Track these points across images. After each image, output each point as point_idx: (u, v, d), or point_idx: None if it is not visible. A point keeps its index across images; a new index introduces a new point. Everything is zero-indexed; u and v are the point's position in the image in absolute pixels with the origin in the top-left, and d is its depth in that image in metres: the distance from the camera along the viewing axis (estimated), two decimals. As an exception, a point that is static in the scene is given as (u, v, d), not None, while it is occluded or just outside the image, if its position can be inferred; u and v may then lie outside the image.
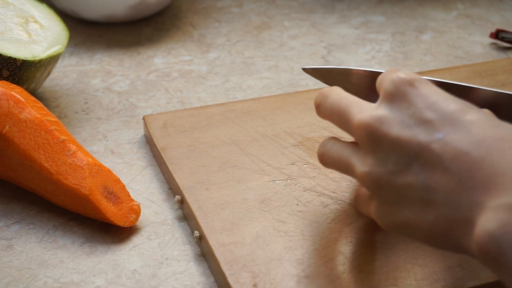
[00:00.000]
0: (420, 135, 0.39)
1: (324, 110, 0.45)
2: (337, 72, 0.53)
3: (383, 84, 0.42)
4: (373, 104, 0.43)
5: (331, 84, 0.54)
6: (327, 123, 0.60)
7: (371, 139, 0.41)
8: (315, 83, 0.72)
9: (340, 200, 0.52)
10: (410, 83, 0.41)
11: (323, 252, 0.48)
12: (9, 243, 0.51)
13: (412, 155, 0.39)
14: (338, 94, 0.45)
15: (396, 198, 0.40)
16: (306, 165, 0.56)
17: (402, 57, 0.77)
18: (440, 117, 0.39)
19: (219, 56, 0.77)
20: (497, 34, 0.80)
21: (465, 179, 0.37)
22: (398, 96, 0.41)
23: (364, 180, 0.42)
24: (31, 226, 0.52)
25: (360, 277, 0.46)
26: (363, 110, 0.42)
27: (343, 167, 0.45)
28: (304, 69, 0.55)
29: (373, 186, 0.41)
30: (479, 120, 0.39)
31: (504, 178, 0.36)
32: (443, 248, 0.40)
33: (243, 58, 0.76)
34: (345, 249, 0.48)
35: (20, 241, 0.51)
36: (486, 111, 0.45)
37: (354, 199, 0.48)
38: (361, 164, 0.42)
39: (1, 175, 0.55)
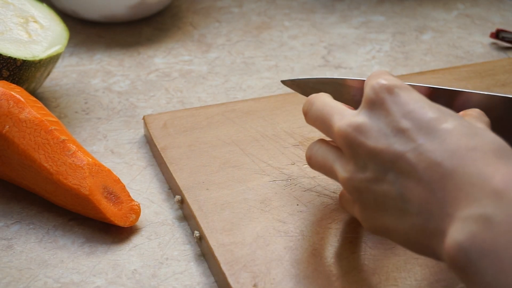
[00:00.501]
0: (395, 144, 0.39)
1: (310, 118, 0.46)
2: (314, 82, 0.54)
3: (365, 89, 0.42)
4: (354, 111, 0.43)
5: (309, 95, 0.54)
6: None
7: (350, 147, 0.41)
8: (315, 83, 0.72)
9: (340, 200, 0.52)
10: (389, 90, 0.41)
11: (323, 252, 0.47)
12: (9, 243, 0.51)
13: (388, 165, 0.39)
14: (322, 101, 0.46)
15: (375, 204, 0.41)
16: (306, 165, 0.56)
17: (402, 57, 0.77)
18: (416, 125, 0.39)
19: (219, 56, 0.77)
20: (498, 34, 0.80)
21: (437, 189, 0.37)
22: (377, 103, 0.41)
23: (346, 185, 0.42)
24: (31, 226, 0.52)
25: (360, 277, 0.46)
26: (343, 118, 0.42)
27: (328, 171, 0.46)
28: (283, 82, 0.56)
29: (354, 191, 0.42)
30: (454, 129, 0.39)
31: (473, 189, 0.36)
32: (421, 254, 0.40)
33: (243, 58, 0.76)
34: (345, 249, 0.48)
35: (20, 241, 0.51)
36: (477, 110, 0.45)
37: (339, 198, 0.49)
38: (343, 169, 0.43)
39: (1, 175, 0.55)
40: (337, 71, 0.74)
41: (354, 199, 0.43)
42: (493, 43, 0.81)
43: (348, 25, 0.84)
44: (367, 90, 0.42)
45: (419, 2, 0.90)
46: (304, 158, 0.56)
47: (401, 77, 0.69)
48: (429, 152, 0.38)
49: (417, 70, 0.75)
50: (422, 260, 0.47)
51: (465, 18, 0.87)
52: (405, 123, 0.40)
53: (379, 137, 0.40)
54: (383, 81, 0.41)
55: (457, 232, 0.35)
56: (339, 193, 0.49)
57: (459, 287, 0.45)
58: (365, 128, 0.41)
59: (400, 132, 0.39)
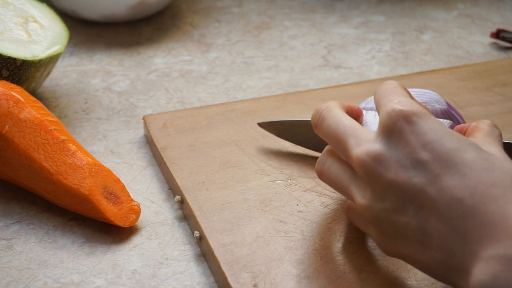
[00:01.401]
0: (415, 178, 0.39)
1: (322, 133, 0.45)
2: (289, 124, 0.55)
3: (380, 113, 0.41)
4: (370, 134, 0.42)
5: (284, 137, 0.56)
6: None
7: (368, 176, 0.40)
8: (315, 83, 0.72)
9: (340, 200, 0.52)
10: (407, 118, 0.40)
11: (323, 252, 0.47)
12: (9, 243, 0.51)
13: (408, 198, 0.39)
14: (335, 117, 0.44)
15: (395, 233, 0.40)
16: (306, 165, 0.56)
17: (402, 57, 0.77)
18: (436, 158, 0.38)
19: (219, 56, 0.77)
20: (498, 34, 0.80)
21: (458, 227, 0.37)
22: (395, 132, 0.40)
23: (364, 212, 0.42)
24: (31, 226, 0.52)
25: (360, 278, 0.45)
26: (360, 143, 0.41)
27: (342, 191, 0.44)
28: (259, 124, 0.57)
29: (373, 219, 0.41)
30: (474, 162, 0.38)
31: (496, 228, 0.36)
32: (444, 283, 0.40)
33: (243, 58, 0.76)
34: (345, 249, 0.48)
35: (20, 241, 0.51)
36: (488, 123, 0.44)
37: (346, 210, 0.47)
38: (361, 196, 0.42)
39: (1, 175, 0.55)
40: (337, 71, 0.74)
41: (370, 224, 0.42)
42: (494, 43, 0.81)
43: (348, 25, 0.84)
44: (383, 117, 0.41)
45: (419, 2, 0.90)
46: (305, 158, 0.56)
47: (401, 77, 0.69)
48: (449, 187, 0.37)
49: (417, 70, 0.75)
50: (422, 260, 0.47)
51: (465, 18, 0.87)
52: (424, 155, 0.39)
53: (398, 168, 0.39)
54: (398, 106, 0.40)
55: (480, 273, 0.35)
56: (346, 204, 0.48)
57: (459, 287, 0.45)
58: (384, 159, 0.40)
59: (420, 164, 0.39)
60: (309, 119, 0.53)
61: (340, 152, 0.43)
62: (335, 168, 0.45)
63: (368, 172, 0.40)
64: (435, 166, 0.38)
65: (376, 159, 0.40)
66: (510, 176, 0.38)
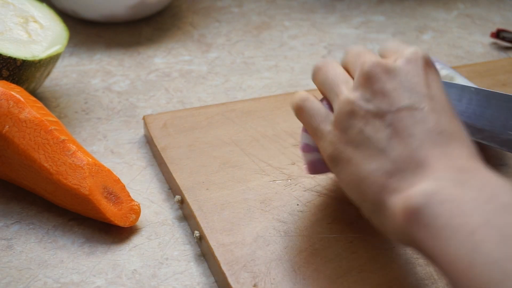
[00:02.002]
0: (409, 99, 0.43)
1: (317, 81, 0.49)
2: None
3: (404, 50, 0.46)
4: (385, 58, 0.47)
5: None
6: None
7: (369, 78, 0.44)
8: (315, 83, 0.72)
9: (340, 200, 0.52)
10: (427, 63, 0.45)
11: (323, 252, 0.47)
12: (9, 243, 0.51)
13: (393, 108, 0.43)
14: (330, 68, 0.48)
15: (357, 134, 0.43)
16: (306, 165, 0.56)
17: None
18: (433, 94, 0.44)
19: (219, 56, 0.77)
20: (498, 34, 0.80)
21: (423, 150, 0.41)
22: (413, 63, 0.45)
23: (346, 105, 0.44)
24: (31, 226, 0.52)
25: (360, 277, 0.45)
26: (373, 56, 0.46)
27: (331, 89, 0.47)
28: None
29: (348, 113, 0.44)
30: (450, 109, 0.44)
31: (456, 162, 0.40)
32: (363, 205, 0.43)
33: (243, 58, 0.76)
34: (345, 249, 0.48)
35: (20, 241, 0.51)
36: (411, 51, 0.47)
37: (297, 105, 0.49)
38: (349, 92, 0.45)
39: (1, 175, 0.55)
40: (337, 71, 0.74)
41: (337, 120, 0.45)
42: (494, 43, 0.81)
43: (348, 25, 0.84)
44: (408, 50, 0.46)
45: (419, 2, 0.90)
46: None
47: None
48: (432, 120, 0.42)
49: (417, 70, 0.74)
50: (422, 260, 0.47)
51: (465, 18, 0.87)
52: (425, 90, 0.44)
53: (400, 86, 0.44)
54: (423, 53, 0.46)
55: (425, 184, 0.39)
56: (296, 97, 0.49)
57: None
58: (393, 73, 0.44)
59: (418, 93, 0.43)
60: None
61: (353, 60, 0.47)
62: (337, 70, 0.48)
63: (373, 73, 0.44)
64: (430, 100, 0.43)
65: (386, 68, 0.44)
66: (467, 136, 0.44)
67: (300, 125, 0.61)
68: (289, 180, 0.54)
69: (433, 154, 0.41)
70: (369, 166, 0.42)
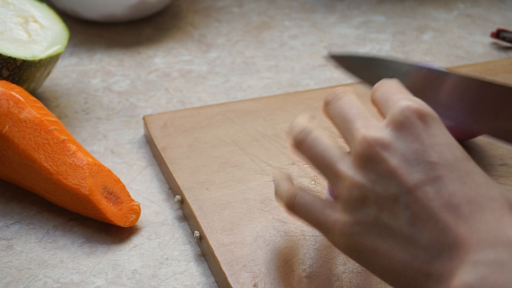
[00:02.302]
0: (417, 173, 0.38)
1: (331, 111, 0.44)
2: (362, 59, 0.53)
3: (391, 108, 0.41)
4: (380, 123, 0.41)
5: (355, 73, 0.53)
6: (327, 124, 0.60)
7: (368, 159, 0.40)
8: (315, 83, 0.72)
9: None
10: (421, 117, 0.40)
11: (323, 252, 0.47)
12: (9, 243, 0.51)
13: (403, 189, 0.38)
14: (350, 100, 0.43)
15: (375, 222, 0.39)
16: (306, 165, 0.56)
17: (402, 57, 0.77)
18: (442, 160, 0.39)
19: (219, 56, 0.77)
20: (498, 34, 0.80)
21: (449, 229, 0.37)
22: (406, 127, 0.40)
23: (353, 189, 0.40)
24: (31, 226, 0.52)
25: (360, 277, 0.45)
26: (369, 127, 0.41)
27: (326, 167, 0.42)
28: (330, 56, 0.53)
29: (358, 200, 0.40)
30: (475, 175, 0.39)
31: (488, 235, 0.36)
32: None
33: (243, 58, 0.76)
34: (345, 249, 0.48)
35: (20, 241, 0.51)
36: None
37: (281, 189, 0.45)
38: (352, 171, 0.40)
39: (1, 175, 0.55)
40: (337, 71, 0.74)
41: (346, 209, 0.40)
42: (494, 43, 0.81)
43: (348, 25, 0.84)
44: (396, 110, 0.40)
45: (419, 2, 0.90)
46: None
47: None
48: (449, 191, 0.38)
49: (417, 70, 0.74)
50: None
51: (466, 18, 0.87)
52: (432, 155, 0.39)
53: (402, 161, 0.39)
54: (415, 104, 0.40)
55: (466, 274, 0.35)
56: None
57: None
58: (390, 147, 0.39)
59: (425, 162, 0.39)
60: (383, 56, 0.52)
61: (343, 132, 0.42)
62: (323, 142, 0.43)
63: (370, 155, 0.39)
64: (440, 167, 0.38)
65: (383, 145, 0.39)
66: (505, 196, 0.39)
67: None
68: (289, 180, 0.54)
69: (462, 231, 0.36)
70: (402, 257, 0.38)
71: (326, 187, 0.49)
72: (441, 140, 0.39)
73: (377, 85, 0.44)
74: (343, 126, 0.42)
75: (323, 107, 0.44)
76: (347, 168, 0.40)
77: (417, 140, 0.39)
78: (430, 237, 0.37)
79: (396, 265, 0.38)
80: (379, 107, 0.43)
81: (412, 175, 0.38)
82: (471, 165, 0.39)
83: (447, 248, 0.36)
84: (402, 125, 0.40)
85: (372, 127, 0.41)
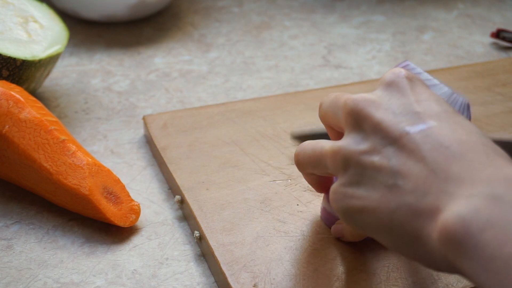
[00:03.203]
0: (403, 122, 0.39)
1: (325, 107, 0.45)
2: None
3: (384, 76, 0.43)
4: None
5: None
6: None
7: (354, 119, 0.41)
8: (315, 83, 0.72)
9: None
10: (410, 78, 0.42)
11: (323, 252, 0.47)
12: (8, 243, 0.51)
13: (389, 139, 0.39)
14: (341, 93, 0.45)
15: (360, 180, 0.40)
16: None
17: (402, 57, 0.77)
18: (429, 112, 0.39)
19: (219, 56, 0.77)
20: (498, 34, 0.80)
21: (440, 169, 0.37)
22: (394, 84, 0.41)
23: (335, 156, 0.41)
24: (31, 226, 0.52)
25: (360, 278, 0.45)
26: (351, 95, 0.42)
27: (317, 156, 0.43)
28: (292, 136, 0.55)
29: (342, 163, 0.41)
30: (466, 124, 0.39)
31: (483, 172, 0.36)
32: (395, 243, 0.39)
33: (243, 58, 0.76)
34: (345, 249, 0.48)
35: (20, 241, 0.51)
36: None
37: (297, 158, 0.46)
38: (334, 143, 0.41)
39: (1, 175, 0.55)
40: (337, 71, 0.74)
41: (334, 171, 0.41)
42: (494, 43, 0.81)
43: (348, 25, 0.84)
44: (386, 74, 0.42)
45: (419, 2, 0.90)
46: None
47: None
48: (438, 135, 0.38)
49: (417, 70, 0.74)
50: (422, 260, 0.47)
51: (466, 18, 0.87)
52: (418, 107, 0.40)
53: (388, 112, 0.40)
54: (404, 71, 0.42)
55: (459, 207, 0.35)
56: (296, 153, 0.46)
57: (458, 286, 0.45)
58: (376, 103, 0.40)
59: (411, 113, 0.39)
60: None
61: (335, 114, 0.43)
62: (313, 143, 0.44)
63: (357, 111, 0.41)
64: (427, 117, 0.39)
65: (368, 101, 0.41)
66: (495, 145, 0.39)
67: (300, 125, 0.61)
68: (289, 180, 0.54)
69: (455, 168, 0.36)
70: (389, 206, 0.38)
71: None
72: (428, 96, 0.41)
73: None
74: (333, 110, 0.44)
75: (319, 110, 0.46)
76: (330, 143, 0.42)
77: (403, 96, 0.41)
78: (416, 180, 0.37)
79: (384, 218, 0.38)
80: (331, 116, 0.44)
81: (398, 125, 0.39)
82: (461, 117, 0.40)
83: (435, 187, 0.36)
84: (390, 83, 0.41)
85: (354, 95, 0.42)
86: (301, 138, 0.54)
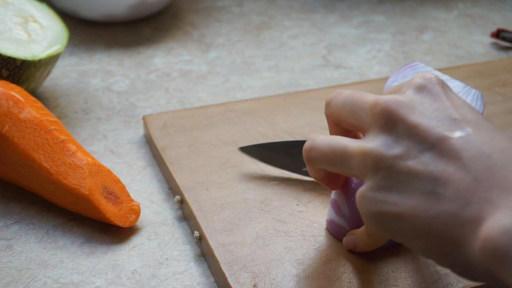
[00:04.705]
0: (441, 128, 0.38)
1: (336, 104, 0.43)
2: (270, 147, 0.53)
3: (412, 79, 0.41)
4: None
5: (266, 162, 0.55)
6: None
7: (386, 121, 0.39)
8: (315, 83, 0.72)
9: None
10: (441, 83, 0.40)
11: (323, 252, 0.47)
12: (8, 243, 0.51)
13: (427, 144, 0.38)
14: (352, 91, 0.43)
15: (393, 185, 0.38)
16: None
17: (402, 57, 0.77)
18: (465, 118, 0.38)
19: (219, 56, 0.77)
20: (498, 34, 0.80)
21: (482, 178, 0.36)
22: (426, 89, 0.40)
23: (364, 158, 0.39)
24: (30, 226, 0.52)
25: (360, 278, 0.45)
26: (382, 96, 0.41)
27: (337, 153, 0.41)
28: (240, 149, 0.55)
29: (372, 166, 0.39)
30: (501, 132, 0.39)
31: None
32: (431, 251, 0.38)
33: (243, 58, 0.76)
34: (345, 249, 0.48)
35: (20, 241, 0.51)
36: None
37: (308, 151, 0.44)
38: (364, 143, 0.40)
39: (1, 175, 0.55)
40: (337, 71, 0.74)
41: (363, 174, 0.40)
42: (494, 43, 0.81)
43: (348, 25, 0.84)
44: (416, 78, 0.41)
45: (419, 1, 0.90)
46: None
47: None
48: (478, 143, 0.37)
49: (417, 70, 0.74)
50: (423, 260, 0.47)
51: (466, 18, 0.86)
52: (455, 113, 0.39)
53: (423, 116, 0.38)
54: (434, 75, 0.41)
55: (503, 217, 0.34)
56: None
57: (458, 286, 0.45)
58: (410, 104, 0.39)
59: (448, 119, 0.38)
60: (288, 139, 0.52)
61: (355, 114, 0.42)
62: (329, 138, 0.42)
63: (388, 114, 0.39)
64: (464, 124, 0.38)
65: (401, 104, 0.39)
66: None
67: (300, 125, 0.61)
68: (289, 180, 0.54)
69: (498, 178, 0.36)
70: (428, 214, 0.37)
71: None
72: (462, 103, 0.40)
73: (330, 97, 0.44)
74: (352, 109, 0.42)
75: (326, 107, 0.44)
76: (356, 143, 0.40)
77: (437, 100, 0.39)
78: (457, 188, 0.36)
79: (422, 225, 0.37)
80: (347, 114, 0.42)
81: (435, 130, 0.38)
82: (493, 125, 0.39)
83: (478, 196, 0.36)
84: (422, 87, 0.40)
85: (386, 95, 0.40)
86: (248, 150, 0.55)
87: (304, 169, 0.54)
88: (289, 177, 0.55)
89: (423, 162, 0.37)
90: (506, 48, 0.80)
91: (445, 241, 0.37)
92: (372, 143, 0.39)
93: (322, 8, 0.88)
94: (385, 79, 0.68)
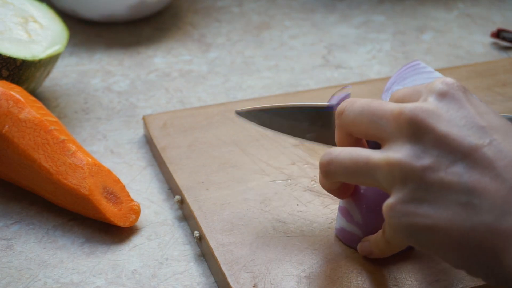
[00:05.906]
0: (471, 137, 0.37)
1: (351, 114, 0.42)
2: (270, 111, 0.51)
3: (432, 85, 0.40)
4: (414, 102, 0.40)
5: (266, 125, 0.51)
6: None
7: (413, 130, 0.38)
8: (315, 83, 0.72)
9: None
10: (464, 89, 0.39)
11: (323, 252, 0.47)
12: (8, 243, 0.51)
13: (458, 154, 0.37)
14: (366, 100, 0.42)
15: (424, 197, 0.37)
16: (306, 165, 0.56)
17: (402, 57, 0.77)
18: (492, 125, 0.38)
19: (219, 56, 0.77)
20: (498, 34, 0.80)
21: None
22: (449, 95, 0.39)
23: (391, 170, 0.38)
24: (30, 226, 0.52)
25: (360, 278, 0.45)
26: (403, 104, 0.39)
27: (360, 166, 0.40)
28: (237, 113, 0.52)
29: (400, 178, 0.38)
30: None
31: None
32: (466, 262, 0.37)
33: (243, 58, 0.76)
34: (345, 249, 0.48)
35: (20, 241, 0.51)
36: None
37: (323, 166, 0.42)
38: (390, 153, 0.38)
39: (1, 175, 0.55)
40: (337, 71, 0.74)
41: (392, 188, 0.38)
42: (494, 43, 0.81)
43: (348, 24, 0.84)
44: (437, 84, 0.39)
45: (419, 1, 0.90)
46: (304, 158, 0.56)
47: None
48: (509, 151, 0.36)
49: (417, 69, 0.74)
50: (422, 260, 0.47)
51: (466, 18, 0.86)
52: (481, 121, 0.38)
53: (451, 125, 0.37)
54: (455, 81, 0.40)
55: None
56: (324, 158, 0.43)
57: (458, 287, 0.45)
58: (436, 113, 0.38)
59: (476, 127, 0.37)
60: (290, 104, 0.50)
61: (374, 123, 0.40)
62: (349, 151, 0.41)
63: (415, 124, 0.38)
64: (492, 131, 0.37)
65: (428, 113, 0.38)
66: None
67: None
68: (289, 180, 0.54)
69: None
70: (463, 225, 0.36)
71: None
72: (485, 109, 0.39)
73: (342, 107, 0.42)
74: (371, 118, 0.40)
75: (337, 117, 0.43)
76: (380, 154, 0.39)
77: (462, 107, 0.38)
78: (493, 198, 0.35)
79: (457, 237, 0.36)
80: (365, 125, 0.41)
81: (466, 139, 0.37)
82: (507, 122, 0.38)
83: None
84: (445, 94, 0.39)
85: (408, 104, 0.39)
86: (246, 114, 0.51)
87: (309, 135, 0.50)
88: (289, 176, 0.54)
89: (455, 173, 0.36)
90: (506, 48, 0.80)
91: (482, 253, 0.36)
92: (398, 153, 0.38)
93: (322, 8, 0.88)
94: (385, 79, 0.68)
